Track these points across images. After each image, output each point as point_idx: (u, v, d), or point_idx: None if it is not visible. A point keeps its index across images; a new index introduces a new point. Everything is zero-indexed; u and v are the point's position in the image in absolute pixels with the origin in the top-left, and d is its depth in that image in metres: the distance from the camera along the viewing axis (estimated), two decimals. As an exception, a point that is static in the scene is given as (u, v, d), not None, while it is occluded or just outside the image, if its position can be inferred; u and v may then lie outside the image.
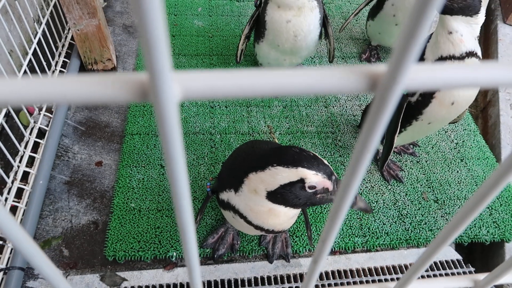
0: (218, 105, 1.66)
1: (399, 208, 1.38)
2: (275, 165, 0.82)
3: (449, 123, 1.24)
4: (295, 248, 1.25)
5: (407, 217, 1.36)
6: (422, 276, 1.24)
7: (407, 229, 1.33)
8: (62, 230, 1.25)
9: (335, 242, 1.29)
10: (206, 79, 0.13)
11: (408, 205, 1.39)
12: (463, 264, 1.27)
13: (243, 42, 1.61)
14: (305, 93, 0.14)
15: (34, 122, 1.42)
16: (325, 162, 0.83)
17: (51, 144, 1.39)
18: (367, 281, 1.21)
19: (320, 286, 1.19)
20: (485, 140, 1.64)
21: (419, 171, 1.50)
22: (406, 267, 1.25)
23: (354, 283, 1.20)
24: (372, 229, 1.32)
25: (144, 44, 0.11)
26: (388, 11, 1.68)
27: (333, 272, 1.22)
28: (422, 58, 1.11)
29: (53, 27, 1.62)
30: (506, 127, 1.64)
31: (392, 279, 1.22)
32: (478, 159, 1.57)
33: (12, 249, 1.14)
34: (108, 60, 1.69)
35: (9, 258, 1.13)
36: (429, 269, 1.26)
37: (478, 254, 1.43)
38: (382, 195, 1.42)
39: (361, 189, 1.44)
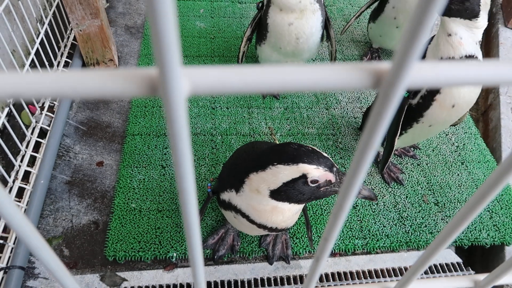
0: (220, 106, 1.67)
1: (399, 211, 1.38)
2: (275, 163, 0.82)
3: (450, 125, 1.24)
4: (295, 250, 1.25)
5: (407, 220, 1.36)
6: (422, 278, 1.24)
7: (407, 231, 1.33)
8: (62, 229, 1.25)
9: (335, 244, 1.29)
10: (214, 75, 0.14)
11: (408, 208, 1.40)
12: (463, 267, 1.27)
13: (244, 44, 1.61)
14: (311, 89, 0.14)
15: (36, 121, 1.42)
16: (325, 154, 0.83)
17: (52, 143, 1.39)
18: (367, 283, 1.21)
19: (320, 288, 1.19)
20: (486, 143, 1.65)
21: (420, 173, 1.51)
22: (406, 269, 1.25)
23: (354, 285, 1.20)
24: (373, 231, 1.32)
25: (154, 39, 0.12)
26: (389, 14, 1.69)
27: (333, 274, 1.22)
28: (423, 60, 1.12)
29: (56, 28, 1.63)
30: (507, 130, 1.64)
31: (392, 282, 1.22)
32: (478, 162, 1.57)
33: (12, 248, 1.14)
34: (110, 60, 1.70)
35: (9, 257, 1.13)
36: (429, 271, 1.26)
37: (478, 257, 1.43)
38: (382, 198, 1.42)
39: (361, 191, 1.44)
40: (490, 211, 1.41)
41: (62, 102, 1.51)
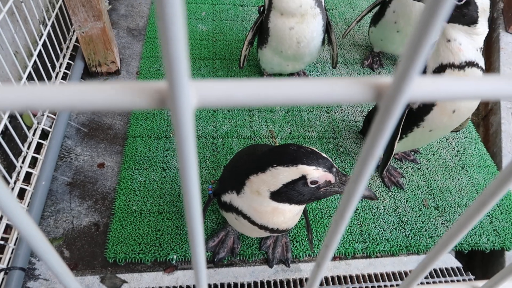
0: (221, 109, 1.67)
1: (399, 215, 1.39)
2: (275, 165, 0.83)
3: (451, 131, 1.24)
4: (295, 253, 1.26)
5: (407, 224, 1.36)
6: (422, 283, 1.24)
7: (407, 235, 1.33)
8: (63, 231, 1.25)
9: (337, 247, 1.29)
10: (220, 88, 0.14)
11: (408, 212, 1.40)
12: (463, 272, 1.27)
13: (246, 48, 1.62)
14: (314, 103, 0.15)
15: (38, 123, 1.43)
16: (324, 155, 0.84)
17: (54, 145, 1.40)
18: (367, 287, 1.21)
19: (319, 292, 1.19)
20: (486, 148, 1.65)
21: (420, 178, 1.51)
22: (406, 273, 1.25)
23: (354, 289, 1.20)
24: (373, 235, 1.32)
25: (164, 54, 0.12)
26: (389, 18, 1.69)
27: (332, 277, 1.23)
28: (424, 65, 1.12)
29: (58, 29, 1.63)
30: (508, 135, 1.64)
31: (391, 286, 1.22)
32: (479, 167, 1.57)
33: (13, 249, 1.15)
34: (112, 62, 1.71)
35: (10, 258, 1.13)
36: (428, 276, 1.26)
37: (478, 262, 1.43)
38: (382, 202, 1.42)
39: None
40: (490, 216, 1.41)
41: (64, 104, 1.51)
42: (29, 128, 1.38)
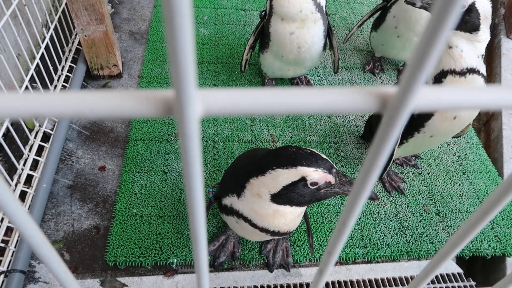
0: (222, 113, 1.67)
1: (400, 220, 1.38)
2: (274, 167, 0.83)
3: (453, 137, 1.24)
4: (296, 258, 1.25)
5: (408, 229, 1.36)
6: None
7: (408, 241, 1.33)
8: (63, 234, 1.25)
9: (339, 254, 1.29)
10: (225, 97, 0.14)
11: (409, 217, 1.40)
12: (464, 278, 1.27)
13: (247, 52, 1.62)
14: (319, 112, 0.15)
15: (39, 125, 1.43)
16: (323, 156, 0.84)
17: (55, 148, 1.40)
18: (367, 293, 1.21)
19: (320, 297, 1.18)
20: (488, 153, 1.65)
21: (421, 183, 1.51)
22: (406, 279, 1.25)
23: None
24: (373, 240, 1.32)
25: (172, 64, 0.12)
26: (390, 23, 1.70)
27: (333, 282, 1.22)
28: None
29: (61, 32, 1.64)
30: (509, 141, 1.64)
31: (392, 291, 1.22)
32: (480, 172, 1.57)
33: (13, 251, 1.15)
34: (114, 66, 1.71)
35: (10, 261, 1.13)
36: (429, 282, 1.25)
37: (479, 268, 1.43)
38: (383, 207, 1.42)
39: (362, 200, 1.44)
40: (492, 222, 1.41)
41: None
42: (30, 130, 1.39)
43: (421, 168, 1.56)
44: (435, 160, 1.60)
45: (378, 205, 1.42)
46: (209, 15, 2.16)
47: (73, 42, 1.78)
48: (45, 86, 1.49)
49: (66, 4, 1.65)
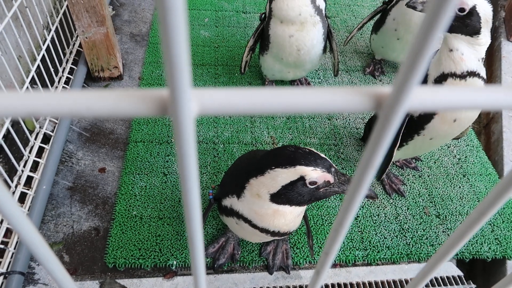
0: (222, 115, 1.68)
1: (400, 222, 1.38)
2: (273, 167, 0.83)
3: (452, 139, 1.24)
4: (296, 260, 1.25)
5: (408, 232, 1.36)
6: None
7: (408, 243, 1.33)
8: (63, 235, 1.25)
9: (336, 254, 1.29)
10: (221, 96, 0.14)
11: (409, 220, 1.39)
12: (464, 281, 1.26)
13: (247, 54, 1.63)
14: (315, 111, 0.15)
15: (40, 127, 1.43)
16: (322, 155, 0.84)
17: (55, 149, 1.40)
18: (367, 295, 1.20)
19: (319, 299, 1.18)
20: (488, 156, 1.65)
21: (421, 185, 1.51)
22: (406, 281, 1.24)
23: (354, 296, 1.19)
24: (373, 243, 1.32)
25: (166, 63, 0.12)
26: (390, 26, 1.70)
27: (333, 285, 1.22)
28: (425, 74, 1.12)
29: (62, 34, 1.65)
30: (509, 143, 1.64)
31: (392, 294, 1.21)
32: (480, 175, 1.57)
33: (13, 253, 1.15)
34: (115, 67, 1.72)
35: (9, 262, 1.13)
36: (429, 284, 1.25)
37: (480, 271, 1.42)
38: (383, 209, 1.42)
39: (362, 203, 1.44)
40: (492, 225, 1.40)
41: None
42: (31, 132, 1.39)
43: (421, 171, 1.56)
44: (435, 162, 1.59)
45: (378, 207, 1.42)
46: (210, 18, 2.16)
47: (74, 44, 1.78)
48: (45, 88, 1.49)
49: (67, 6, 1.65)
